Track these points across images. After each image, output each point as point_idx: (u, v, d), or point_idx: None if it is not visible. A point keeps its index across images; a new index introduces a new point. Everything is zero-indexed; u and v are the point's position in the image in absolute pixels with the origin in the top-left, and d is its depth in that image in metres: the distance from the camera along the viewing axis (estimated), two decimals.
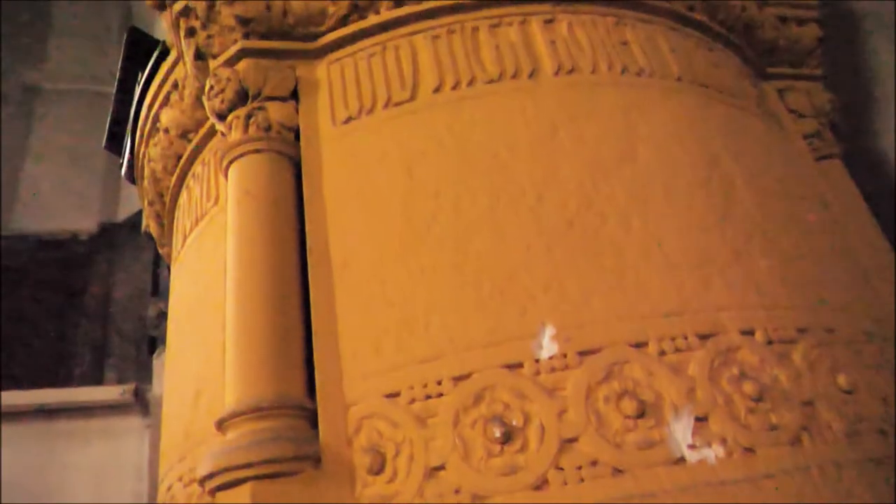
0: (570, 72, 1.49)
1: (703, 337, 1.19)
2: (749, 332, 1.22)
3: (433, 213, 1.31)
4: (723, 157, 1.47)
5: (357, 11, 1.56)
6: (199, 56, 1.60)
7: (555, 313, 1.19)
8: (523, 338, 1.17)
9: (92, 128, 5.52)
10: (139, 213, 4.63)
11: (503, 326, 1.19)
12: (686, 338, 1.19)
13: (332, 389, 1.20)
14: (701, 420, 1.11)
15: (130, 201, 4.81)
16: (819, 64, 2.00)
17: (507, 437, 1.08)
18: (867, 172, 2.02)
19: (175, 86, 1.79)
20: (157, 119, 1.86)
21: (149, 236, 2.39)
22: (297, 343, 1.26)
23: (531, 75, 1.47)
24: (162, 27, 2.05)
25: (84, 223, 5.01)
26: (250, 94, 1.50)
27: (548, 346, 1.16)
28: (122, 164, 2.16)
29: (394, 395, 1.17)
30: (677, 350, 1.17)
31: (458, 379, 1.15)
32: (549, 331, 1.18)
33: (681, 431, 1.09)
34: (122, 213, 4.89)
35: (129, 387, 3.34)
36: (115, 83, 2.05)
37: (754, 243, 1.35)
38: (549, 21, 1.55)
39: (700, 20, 1.73)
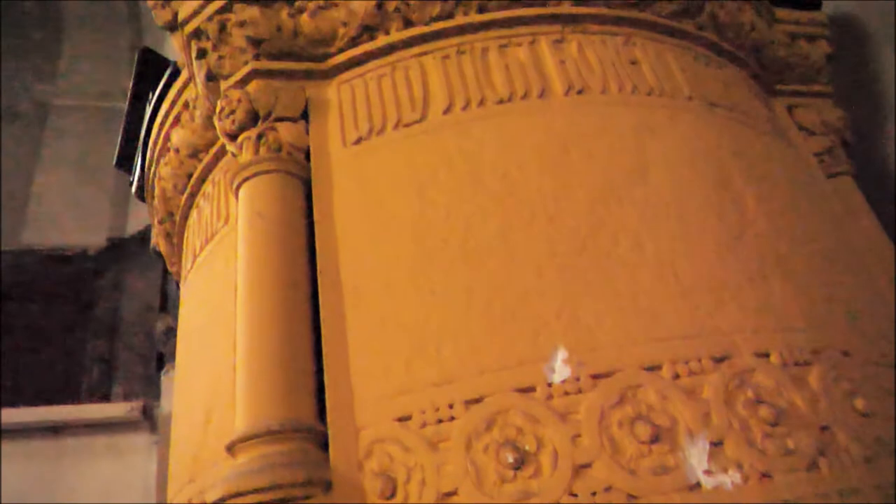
0: (581, 92, 1.48)
1: (718, 360, 1.18)
2: (764, 355, 1.21)
3: (444, 236, 1.31)
4: (735, 177, 1.47)
5: (367, 32, 1.56)
6: (210, 77, 1.61)
7: (567, 336, 1.19)
8: (536, 361, 1.17)
9: (101, 143, 5.56)
10: (148, 228, 4.65)
11: (515, 350, 1.18)
12: (700, 361, 1.17)
13: (342, 413, 1.19)
14: (716, 445, 1.09)
15: (139, 216, 4.83)
16: (829, 81, 2.00)
17: (521, 463, 1.07)
18: (878, 189, 2.01)
19: (186, 106, 1.80)
20: (167, 138, 1.86)
21: (157, 253, 2.39)
22: (307, 366, 1.25)
23: (541, 95, 1.47)
24: (172, 46, 2.06)
25: (93, 238, 5.04)
26: (261, 114, 1.50)
27: (560, 370, 1.16)
28: (133, 181, 2.17)
29: (405, 419, 1.16)
30: (691, 373, 1.16)
31: (470, 403, 1.15)
32: (562, 354, 1.17)
33: (696, 457, 1.08)
34: (131, 228, 4.92)
35: (137, 404, 3.34)
36: (127, 102, 2.06)
37: (768, 264, 1.34)
38: (559, 41, 1.55)
39: (709, 38, 1.73)
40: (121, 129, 2.16)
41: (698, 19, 1.70)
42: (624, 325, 1.20)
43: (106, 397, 4.52)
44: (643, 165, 1.40)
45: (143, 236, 4.71)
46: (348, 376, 1.23)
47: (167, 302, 3.88)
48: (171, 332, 3.30)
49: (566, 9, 1.57)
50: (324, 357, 1.25)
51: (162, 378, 3.38)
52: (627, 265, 1.27)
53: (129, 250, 4.81)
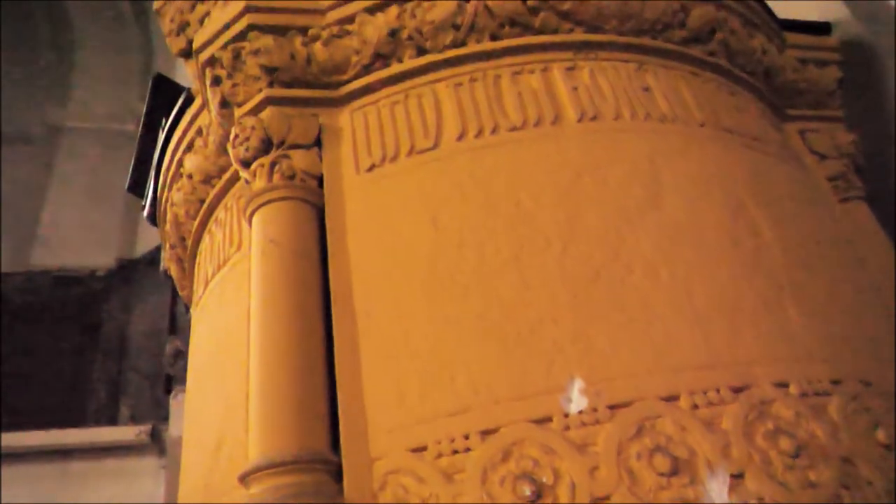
0: (593, 118, 1.49)
1: (736, 390, 1.17)
2: (783, 385, 1.20)
3: (457, 263, 1.31)
4: (749, 203, 1.46)
5: (380, 60, 1.57)
6: (224, 104, 1.62)
7: (583, 366, 1.17)
8: (551, 391, 1.15)
9: (111, 165, 5.61)
10: (156, 249, 4.67)
11: (530, 379, 1.17)
12: (718, 391, 1.16)
13: (356, 443, 1.18)
14: (737, 478, 1.08)
15: (148, 237, 4.86)
16: (840, 105, 2.00)
17: (537, 496, 1.06)
18: (890, 211, 2.00)
19: (199, 132, 1.81)
20: (180, 164, 1.87)
21: (167, 275, 2.40)
22: (321, 395, 1.24)
23: (554, 122, 1.47)
24: (183, 71, 2.09)
25: (102, 259, 5.06)
26: (274, 142, 1.51)
27: (577, 400, 1.14)
28: (145, 206, 2.18)
29: (420, 450, 1.14)
30: (710, 404, 1.15)
31: (485, 433, 1.13)
32: (578, 384, 1.16)
33: (716, 490, 1.06)
34: (140, 250, 4.94)
35: (146, 427, 3.33)
36: (139, 128, 2.08)
37: (784, 292, 1.33)
38: (571, 68, 1.56)
39: (721, 65, 1.73)
40: (133, 155, 2.18)
41: (709, 46, 1.70)
42: (640, 353, 1.19)
43: (113, 419, 4.51)
44: (657, 192, 1.40)
45: (152, 258, 4.73)
46: (362, 406, 1.22)
47: (176, 324, 3.88)
48: (180, 355, 3.30)
49: (578, 36, 1.58)
50: (337, 386, 1.24)
51: (171, 401, 3.36)
52: (642, 292, 1.26)
53: (137, 271, 4.83)
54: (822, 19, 2.11)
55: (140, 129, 2.10)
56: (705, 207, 1.41)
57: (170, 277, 2.33)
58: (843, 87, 2.00)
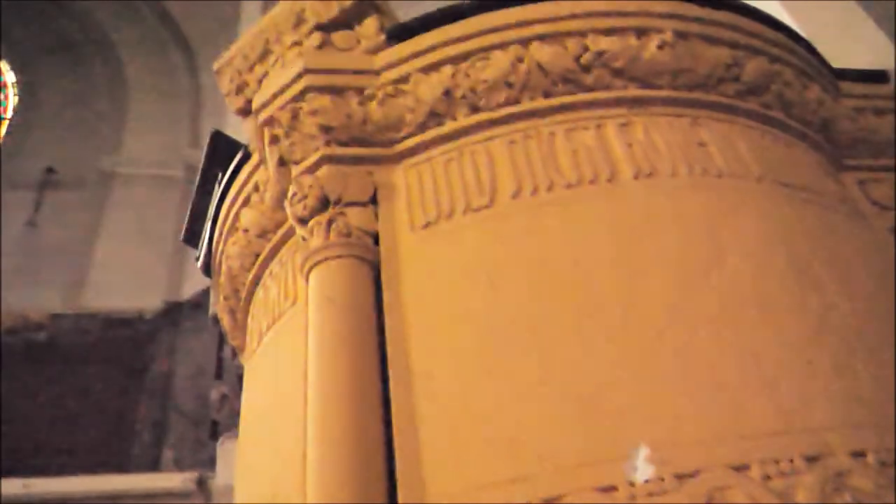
0: (649, 175, 1.48)
1: (810, 459, 1.12)
2: (860, 455, 1.14)
3: (516, 325, 1.30)
4: (812, 261, 1.43)
5: (434, 118, 1.60)
6: (282, 162, 1.66)
7: (648, 432, 1.14)
8: (616, 459, 1.12)
9: (159, 209, 5.78)
10: (203, 293, 4.75)
11: (594, 446, 1.14)
12: (791, 461, 1.12)
13: None
14: None
15: (194, 281, 4.95)
16: None
17: None
18: None
19: (256, 188, 1.85)
20: (236, 219, 1.91)
21: (214, 320, 2.43)
22: (379, 456, 1.23)
23: (610, 179, 1.47)
24: (232, 120, 2.15)
25: (149, 301, 5.17)
26: (331, 199, 1.53)
27: (643, 469, 1.11)
28: (199, 257, 2.23)
29: None
30: (782, 474, 1.10)
31: (548, 502, 1.10)
32: (644, 451, 1.12)
33: None
34: (187, 293, 5.04)
35: (192, 475, 3.34)
36: (196, 181, 2.14)
37: (856, 355, 1.28)
38: (625, 124, 1.56)
39: (776, 117, 1.71)
40: (189, 207, 2.23)
41: (764, 98, 1.69)
42: (707, 419, 1.16)
43: (156, 461, 4.55)
44: (718, 250, 1.37)
45: (198, 301, 4.81)
46: (420, 470, 1.21)
47: (222, 369, 3.92)
48: (226, 400, 3.32)
49: (631, 92, 1.58)
50: (395, 449, 1.23)
51: (217, 448, 3.38)
52: (707, 356, 1.23)
53: (183, 314, 4.92)
54: (877, 67, 2.08)
55: (196, 182, 2.16)
56: (769, 265, 1.38)
57: (217, 322, 2.37)
58: None
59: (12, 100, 7.03)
